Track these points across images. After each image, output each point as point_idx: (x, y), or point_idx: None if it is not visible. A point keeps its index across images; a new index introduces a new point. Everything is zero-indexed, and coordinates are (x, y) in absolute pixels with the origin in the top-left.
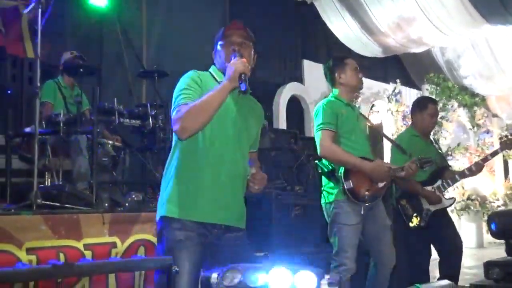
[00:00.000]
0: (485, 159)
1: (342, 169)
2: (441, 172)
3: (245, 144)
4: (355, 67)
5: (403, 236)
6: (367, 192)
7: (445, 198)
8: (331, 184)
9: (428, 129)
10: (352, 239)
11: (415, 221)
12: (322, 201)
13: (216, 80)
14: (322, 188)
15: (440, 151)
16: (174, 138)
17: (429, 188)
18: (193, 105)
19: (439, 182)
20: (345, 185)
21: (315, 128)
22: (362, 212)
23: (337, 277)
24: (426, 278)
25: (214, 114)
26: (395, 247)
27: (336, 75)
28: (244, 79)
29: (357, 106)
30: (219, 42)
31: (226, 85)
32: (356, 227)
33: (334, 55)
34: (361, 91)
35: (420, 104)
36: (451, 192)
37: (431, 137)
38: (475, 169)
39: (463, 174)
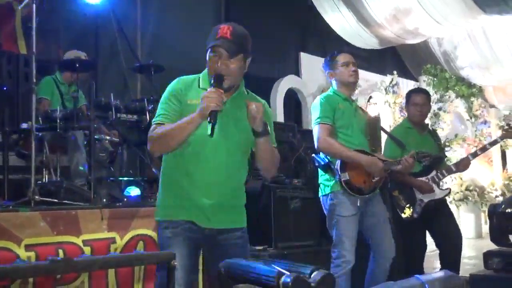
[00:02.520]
0: (484, 148)
1: (338, 162)
2: (436, 162)
3: (235, 144)
4: (345, 63)
5: (399, 227)
6: (363, 184)
7: (440, 189)
8: (327, 177)
9: (416, 119)
10: (349, 231)
11: (407, 212)
12: (320, 194)
13: (199, 87)
14: (319, 181)
15: (438, 142)
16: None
17: (423, 178)
18: (164, 131)
19: (433, 173)
20: (341, 177)
21: (313, 122)
22: (358, 204)
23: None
24: (420, 270)
25: (183, 141)
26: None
27: (328, 73)
28: (213, 119)
29: (354, 98)
30: (208, 51)
31: (195, 118)
32: (353, 218)
33: (330, 52)
34: (358, 83)
35: (406, 96)
36: (449, 183)
37: (430, 127)
38: (462, 166)
39: (457, 166)
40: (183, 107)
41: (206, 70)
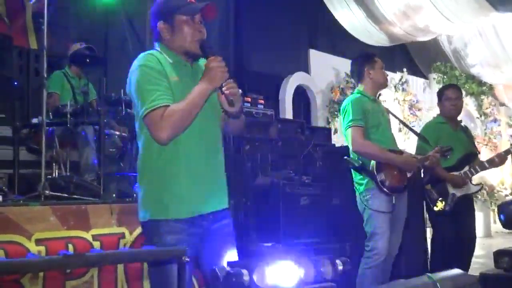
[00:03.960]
0: (508, 151)
1: (373, 163)
2: (469, 158)
3: (212, 119)
4: (382, 66)
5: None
6: (398, 182)
7: (472, 184)
8: (360, 176)
9: (451, 113)
10: (383, 226)
11: (439, 205)
12: (356, 193)
13: (171, 64)
14: (354, 182)
15: (471, 139)
16: (144, 138)
17: (455, 173)
18: (179, 111)
19: (466, 168)
20: (377, 177)
21: (345, 125)
22: (394, 202)
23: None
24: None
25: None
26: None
27: (365, 70)
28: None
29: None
30: (182, 17)
31: (206, 91)
32: (387, 215)
33: (363, 52)
34: None
35: (439, 93)
36: None
37: (462, 124)
38: (498, 160)
39: (490, 163)
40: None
41: (160, 45)
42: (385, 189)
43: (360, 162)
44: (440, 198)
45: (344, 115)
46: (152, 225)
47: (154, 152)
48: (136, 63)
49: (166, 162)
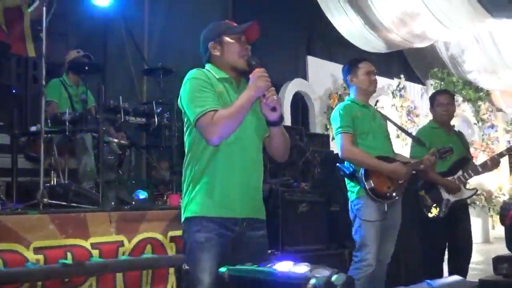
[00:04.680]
0: (501, 154)
1: (362, 170)
2: (462, 163)
3: (255, 130)
4: (368, 71)
5: (422, 226)
6: (388, 189)
7: (466, 189)
8: (352, 184)
9: (443, 118)
10: (373, 235)
11: (434, 212)
12: (349, 201)
13: (217, 79)
14: (347, 189)
15: (465, 143)
16: (190, 139)
17: (449, 178)
18: (229, 114)
19: (459, 173)
20: (366, 185)
21: (334, 132)
22: (385, 209)
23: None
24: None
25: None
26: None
27: (348, 77)
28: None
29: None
30: (229, 37)
31: (253, 97)
32: (377, 224)
33: (352, 58)
34: None
35: (431, 99)
36: None
37: (456, 129)
38: (491, 164)
39: (483, 167)
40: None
41: (209, 66)
42: (374, 197)
43: (352, 169)
44: (434, 204)
45: (334, 122)
46: (186, 223)
47: (197, 154)
48: (186, 78)
49: (206, 164)
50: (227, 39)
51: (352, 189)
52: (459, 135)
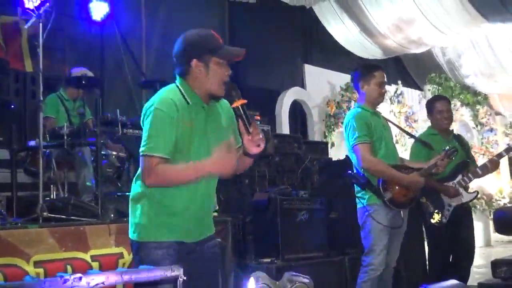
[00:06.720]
0: (500, 155)
1: (380, 181)
2: (462, 167)
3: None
4: (381, 82)
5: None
6: (404, 198)
7: (466, 192)
8: (363, 191)
9: (442, 126)
10: (382, 241)
11: (436, 218)
12: (358, 207)
13: (188, 102)
14: (356, 195)
15: (465, 147)
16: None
17: (449, 183)
18: (173, 176)
19: (459, 177)
20: (384, 196)
21: (351, 141)
22: (401, 215)
23: None
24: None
25: None
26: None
27: (360, 84)
28: None
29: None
30: (217, 59)
31: (205, 174)
32: (387, 230)
33: (365, 63)
34: None
35: (428, 106)
36: None
37: (455, 133)
38: (490, 166)
39: (483, 169)
40: (177, 134)
41: (182, 82)
42: (393, 207)
43: (366, 178)
44: (436, 210)
45: (348, 131)
46: (141, 243)
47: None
48: (153, 101)
49: (163, 190)
50: (214, 62)
51: (363, 196)
52: (459, 138)
